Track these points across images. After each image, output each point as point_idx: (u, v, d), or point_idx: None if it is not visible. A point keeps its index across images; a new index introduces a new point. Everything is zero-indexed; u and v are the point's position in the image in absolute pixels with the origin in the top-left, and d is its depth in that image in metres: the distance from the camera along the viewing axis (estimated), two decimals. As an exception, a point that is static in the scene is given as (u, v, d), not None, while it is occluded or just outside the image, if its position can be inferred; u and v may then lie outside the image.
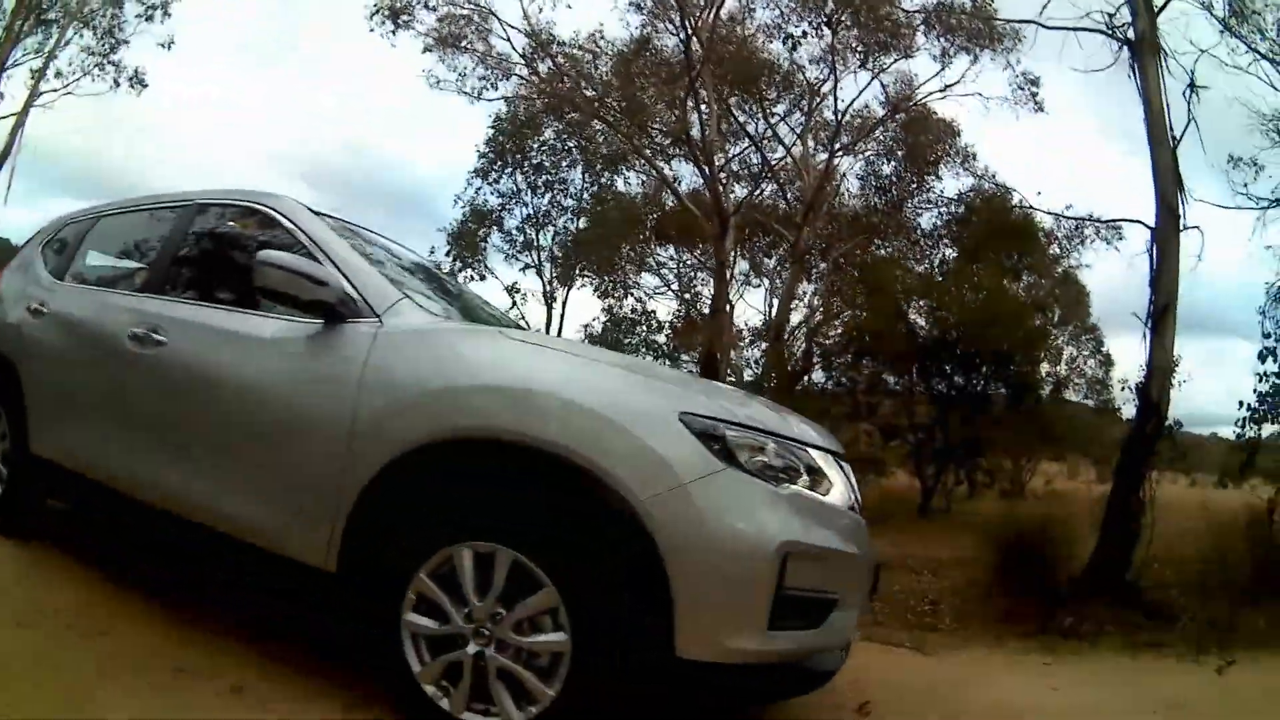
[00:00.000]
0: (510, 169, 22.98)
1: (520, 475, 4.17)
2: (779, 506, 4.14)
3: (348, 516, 4.42)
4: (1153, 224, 12.87)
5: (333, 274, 4.99)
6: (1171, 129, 13.06)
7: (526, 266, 22.02)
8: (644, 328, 36.19)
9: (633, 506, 3.94)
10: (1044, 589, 11.26)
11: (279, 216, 5.65)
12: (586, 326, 35.20)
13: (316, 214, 5.71)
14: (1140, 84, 13.25)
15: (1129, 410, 17.03)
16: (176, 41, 28.77)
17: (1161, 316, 12.44)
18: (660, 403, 4.22)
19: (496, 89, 26.18)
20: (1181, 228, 12.69)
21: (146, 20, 28.10)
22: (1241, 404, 13.28)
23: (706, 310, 31.80)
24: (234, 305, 5.48)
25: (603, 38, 28.62)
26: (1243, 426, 13.04)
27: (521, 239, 22.68)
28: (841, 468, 4.85)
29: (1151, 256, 12.79)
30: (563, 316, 21.48)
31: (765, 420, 4.49)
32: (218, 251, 6.09)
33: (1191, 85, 13.72)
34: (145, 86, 28.81)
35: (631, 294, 35.71)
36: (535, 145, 23.63)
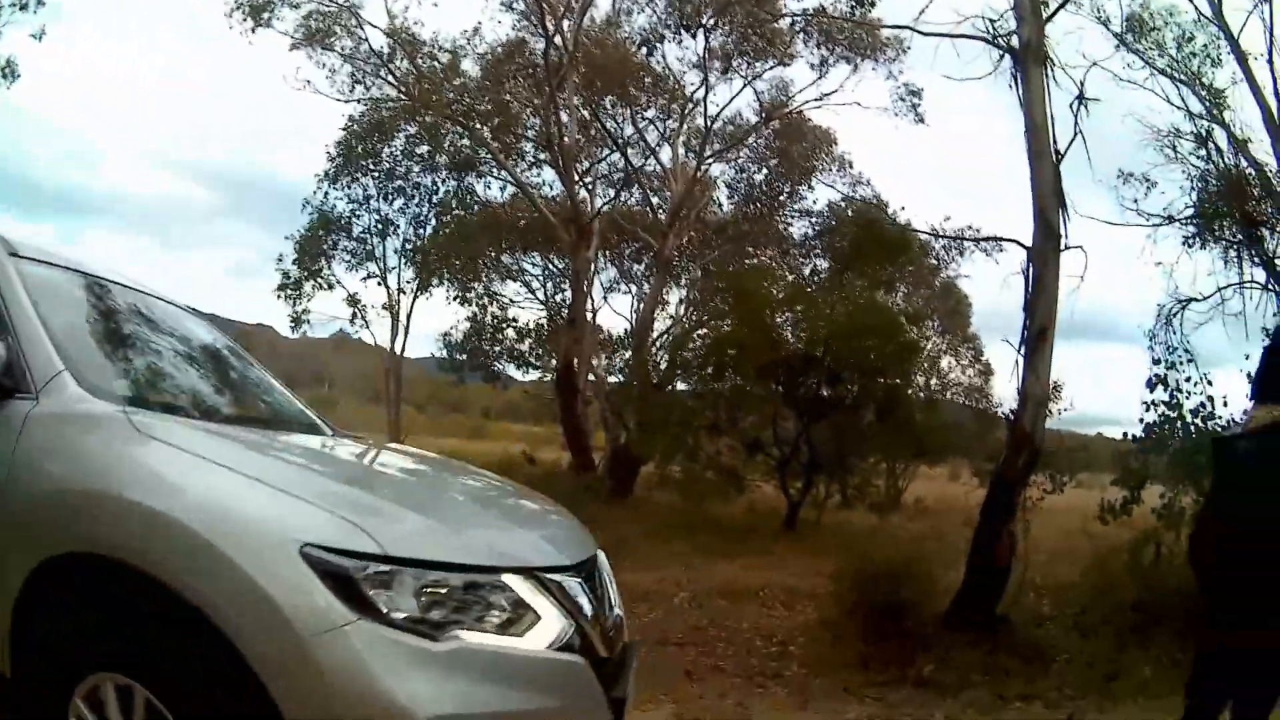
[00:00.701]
0: (360, 173, 21.95)
1: (156, 604, 3.35)
2: (432, 668, 3.21)
3: (10, 622, 3.66)
4: (1029, 243, 12.05)
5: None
6: (1055, 143, 12.27)
7: (369, 276, 20.97)
8: (503, 336, 35.16)
9: (250, 664, 3.15)
10: (904, 630, 10.28)
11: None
12: (446, 335, 34.20)
13: (19, 256, 4.60)
14: (1022, 94, 12.38)
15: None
16: (48, 33, 27.12)
17: (1037, 343, 11.62)
18: (279, 527, 3.32)
19: (368, 90, 25.30)
20: (1062, 247, 11.87)
21: (20, 9, 25.71)
22: (1126, 435, 12.35)
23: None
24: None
25: (474, 36, 27.91)
26: (1127, 464, 12.11)
27: (364, 248, 21.58)
28: (566, 590, 3.82)
29: (1027, 278, 11.92)
30: (407, 329, 20.44)
31: (439, 542, 3.61)
32: None
33: (1080, 97, 12.95)
34: (17, 78, 26.68)
35: (496, 301, 35.04)
36: (387, 150, 22.65)
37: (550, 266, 34.22)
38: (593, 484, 26.31)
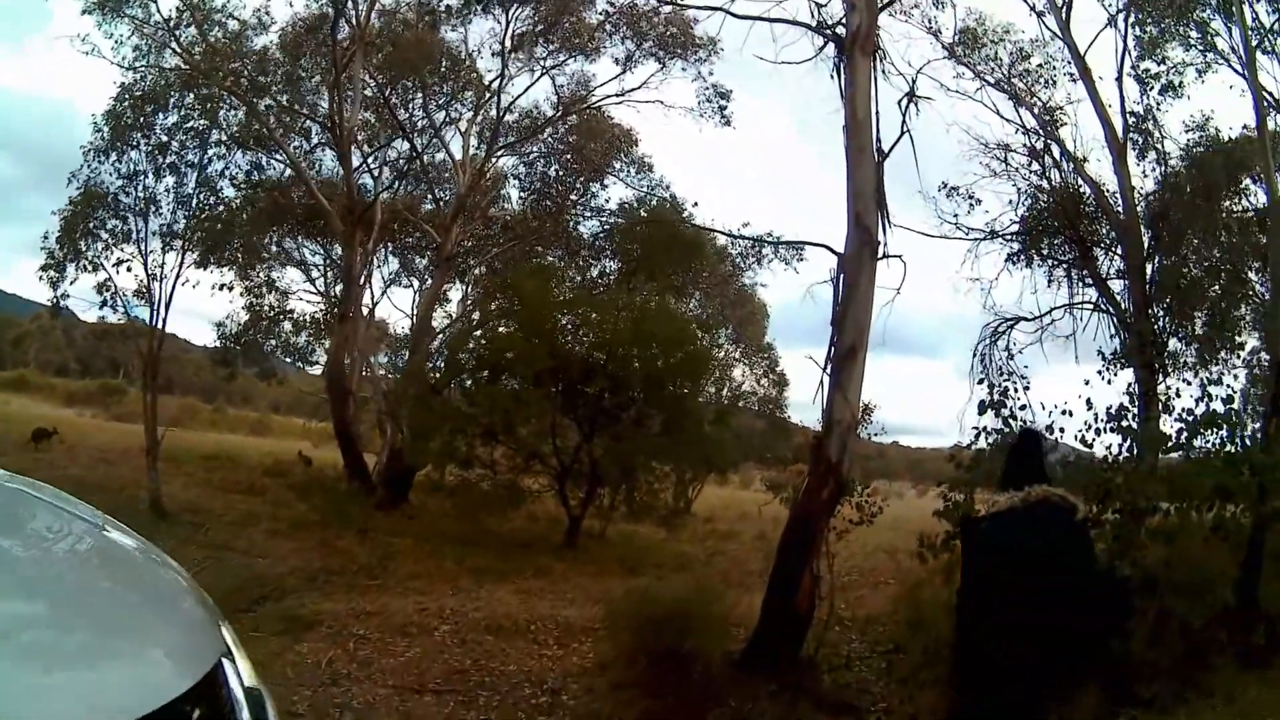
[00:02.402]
0: (130, 146, 20.39)
1: None
2: None
3: None
4: (841, 249, 10.90)
5: None
6: (879, 142, 11.21)
7: (120, 261, 19.47)
8: (279, 328, 34.21)
9: None
10: (691, 679, 9.14)
11: None
12: (220, 325, 33.47)
13: None
14: (844, 87, 11.30)
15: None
16: None
17: (845, 360, 10.48)
18: None
19: (153, 60, 23.58)
20: (880, 255, 10.77)
21: None
22: (958, 464, 11.21)
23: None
24: None
25: (265, 12, 26.42)
26: (951, 490, 11.00)
27: (124, 227, 20.04)
28: None
29: (837, 288, 10.78)
30: (165, 316, 19.00)
31: None
32: None
33: (911, 94, 11.95)
34: None
35: (274, 290, 33.81)
36: (160, 123, 21.13)
37: (332, 256, 32.76)
38: (360, 491, 25.20)
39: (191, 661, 2.97)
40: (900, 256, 11.03)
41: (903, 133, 11.33)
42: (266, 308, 33.42)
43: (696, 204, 20.49)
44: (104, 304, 19.94)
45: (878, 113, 11.13)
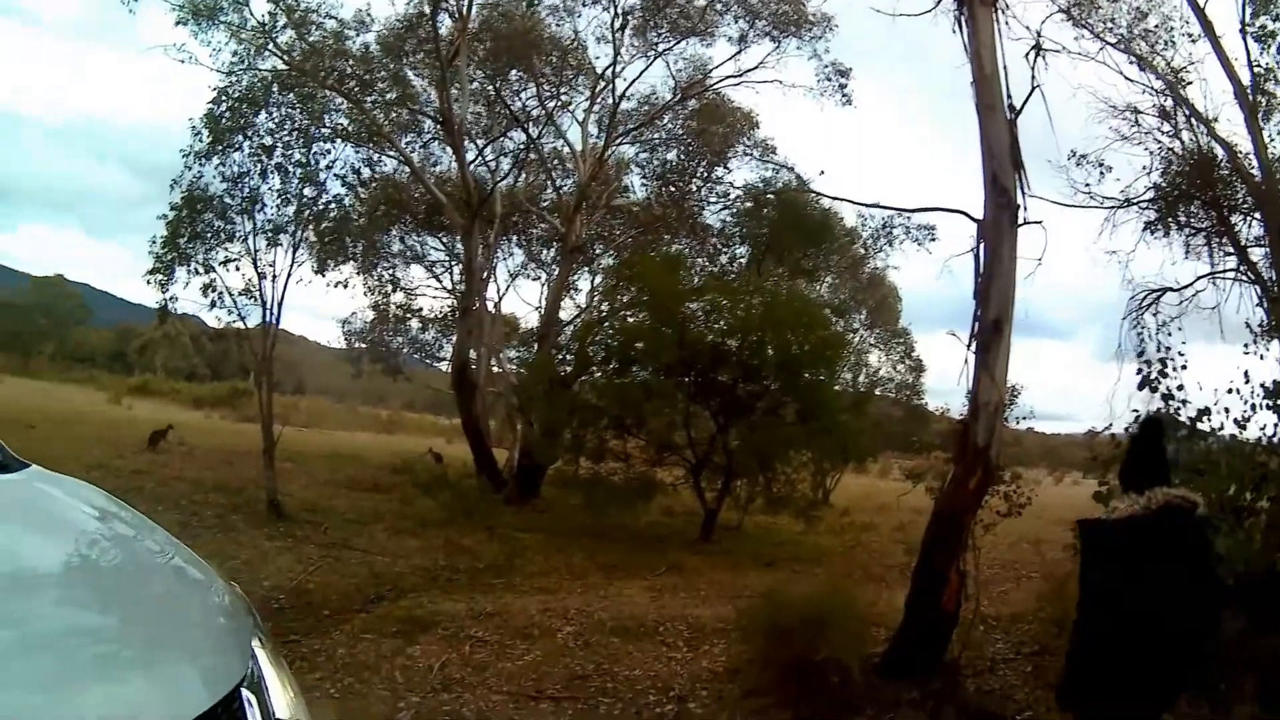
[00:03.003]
0: (232, 149, 20.20)
1: None
2: None
3: None
4: (980, 216, 10.08)
5: None
6: (1010, 97, 10.38)
7: (226, 261, 19.27)
8: (406, 325, 34.50)
9: None
10: (828, 687, 8.48)
11: None
12: (345, 323, 34.11)
13: None
14: (968, 40, 10.52)
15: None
16: None
17: (991, 336, 9.64)
18: None
19: (250, 65, 23.33)
20: (1020, 221, 9.93)
21: None
22: (1094, 456, 10.32)
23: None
24: None
25: (366, 13, 25.98)
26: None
27: (229, 228, 19.83)
28: None
29: (977, 258, 9.96)
30: (278, 316, 18.86)
31: None
32: None
33: (1037, 47, 11.09)
34: None
35: (400, 288, 33.95)
36: (262, 123, 20.91)
37: (455, 251, 32.26)
38: (488, 487, 25.03)
39: (196, 689, 2.76)
40: (1040, 223, 10.19)
41: (1033, 88, 10.47)
42: (392, 305, 33.51)
43: (823, 172, 19.57)
44: (211, 305, 19.82)
45: (1005, 68, 10.30)
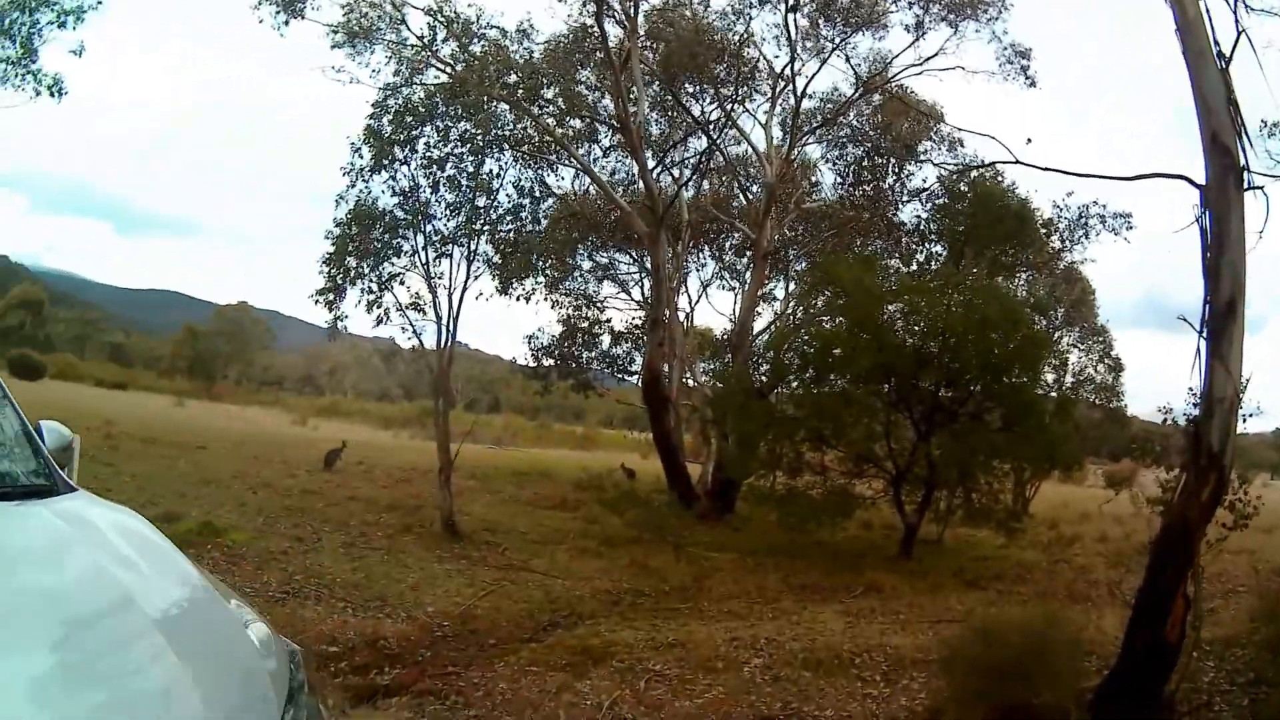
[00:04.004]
0: (397, 163, 19.81)
1: None
2: None
3: None
4: (1200, 181, 8.77)
5: None
6: (1218, 45, 9.09)
7: (392, 276, 18.90)
8: (596, 340, 33.48)
9: None
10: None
11: None
12: (531, 338, 33.11)
13: None
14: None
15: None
16: (87, 48, 26.68)
17: (1224, 320, 8.31)
18: None
19: (410, 80, 23.01)
20: (1245, 185, 8.62)
21: (59, 27, 25.31)
22: None
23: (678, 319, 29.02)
24: None
25: (529, 25, 25.59)
26: None
27: (392, 242, 19.44)
28: None
29: (1204, 229, 8.66)
30: (454, 331, 18.48)
31: None
32: None
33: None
34: (65, 94, 25.90)
35: (591, 302, 33.61)
36: (428, 137, 20.50)
37: (645, 263, 31.54)
38: (680, 504, 24.62)
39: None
40: (1263, 188, 8.86)
41: (1238, 35, 9.14)
42: (582, 319, 33.20)
43: (1030, 140, 18.08)
44: (378, 322, 19.91)
45: (1207, 8, 9.02)
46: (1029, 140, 18.59)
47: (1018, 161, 11.51)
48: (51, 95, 25.82)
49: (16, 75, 25.56)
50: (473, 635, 12.13)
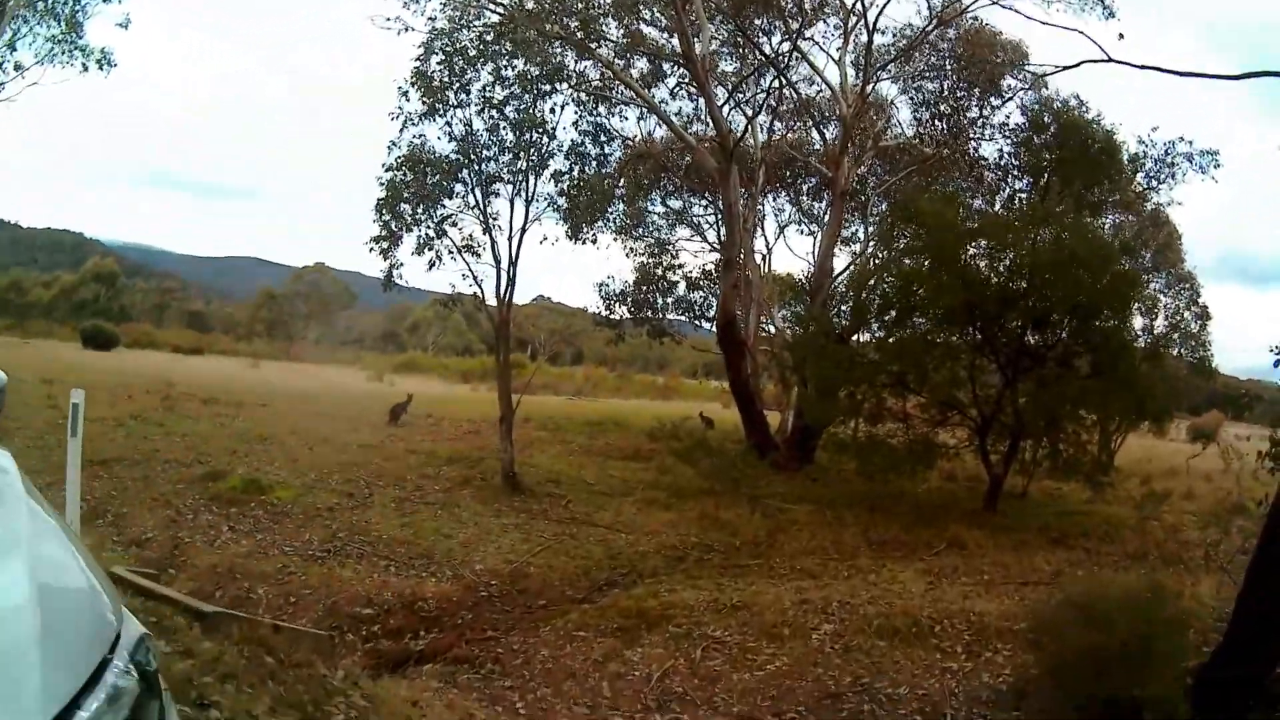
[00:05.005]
0: (451, 106, 19.21)
1: None
2: None
3: None
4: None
5: None
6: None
7: (444, 219, 18.36)
8: (671, 285, 32.72)
9: None
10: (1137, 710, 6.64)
11: None
12: (602, 285, 32.33)
13: None
14: None
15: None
16: (133, 20, 28.75)
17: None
18: None
19: (467, 26, 22.33)
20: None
21: (103, 1, 27.59)
22: None
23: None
24: None
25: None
26: None
27: (446, 186, 18.94)
28: None
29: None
30: (514, 276, 17.99)
31: None
32: None
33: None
34: (114, 66, 28.16)
35: (666, 249, 33.01)
36: (481, 79, 19.88)
37: (719, 205, 30.28)
38: (756, 453, 23.98)
39: None
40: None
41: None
42: (655, 265, 32.68)
43: (1122, 36, 16.43)
44: (430, 266, 19.39)
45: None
46: (1121, 36, 17.54)
47: (1111, 60, 10.55)
48: (100, 68, 28.33)
49: (64, 51, 27.86)
50: (520, 596, 11.69)
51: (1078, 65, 16.62)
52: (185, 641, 6.33)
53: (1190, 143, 25.90)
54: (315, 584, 11.44)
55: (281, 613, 10.45)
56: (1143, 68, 10.76)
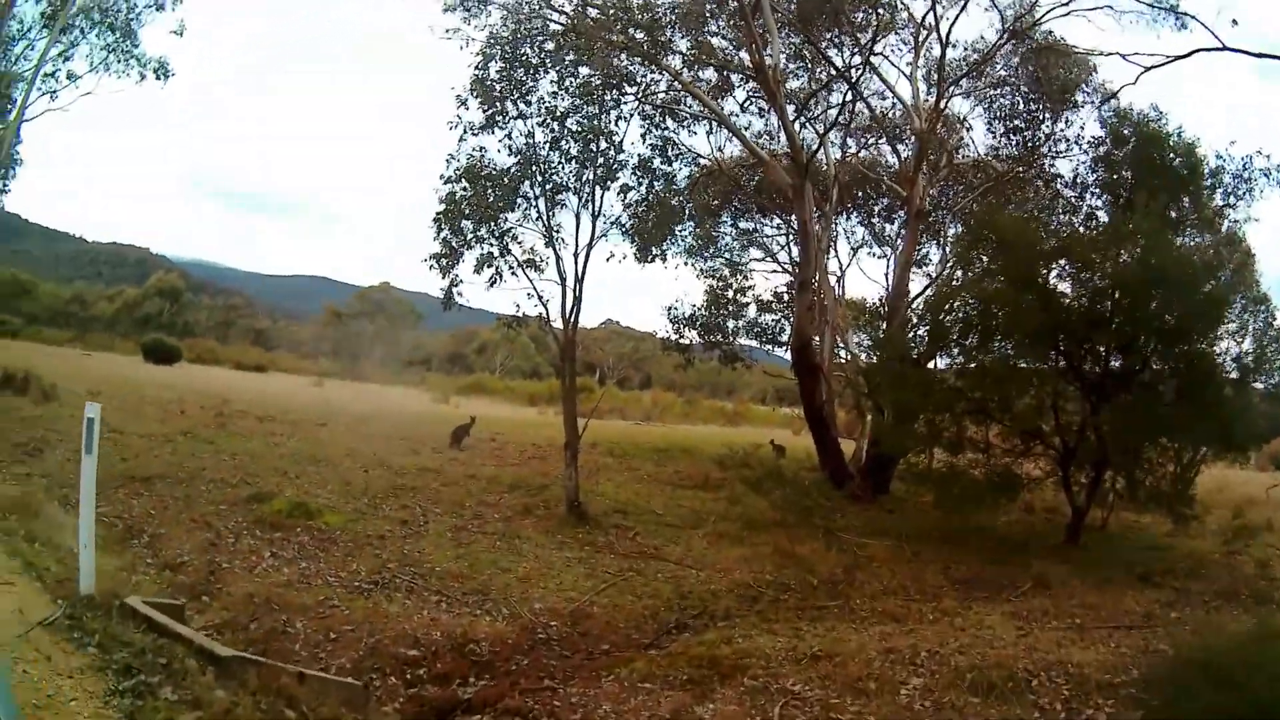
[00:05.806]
0: (509, 118, 18.84)
1: None
2: None
3: None
4: None
5: None
6: None
7: (505, 232, 17.95)
8: (742, 309, 32.11)
9: None
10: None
11: None
12: (671, 309, 31.55)
13: None
14: None
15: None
16: (188, 28, 28.84)
17: None
18: None
19: (528, 37, 21.84)
20: None
21: (157, 10, 28.28)
22: None
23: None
24: None
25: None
26: None
27: (508, 199, 18.58)
28: None
29: None
30: (579, 293, 17.62)
31: None
32: None
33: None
34: (171, 75, 29.18)
35: (738, 271, 32.41)
36: (534, 87, 19.46)
37: (792, 224, 30.23)
38: (830, 483, 23.59)
39: None
40: None
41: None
42: (725, 287, 32.06)
43: (1235, 22, 15.43)
44: (490, 284, 19.14)
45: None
46: (1234, 22, 16.60)
47: (1225, 48, 9.92)
48: (157, 78, 29.15)
49: (119, 59, 28.66)
50: (582, 639, 11.15)
51: (1191, 54, 15.80)
52: (196, 689, 5.95)
53: (1268, 156, 24.92)
54: (358, 619, 10.88)
55: (319, 649, 9.97)
56: (1260, 56, 10.16)
